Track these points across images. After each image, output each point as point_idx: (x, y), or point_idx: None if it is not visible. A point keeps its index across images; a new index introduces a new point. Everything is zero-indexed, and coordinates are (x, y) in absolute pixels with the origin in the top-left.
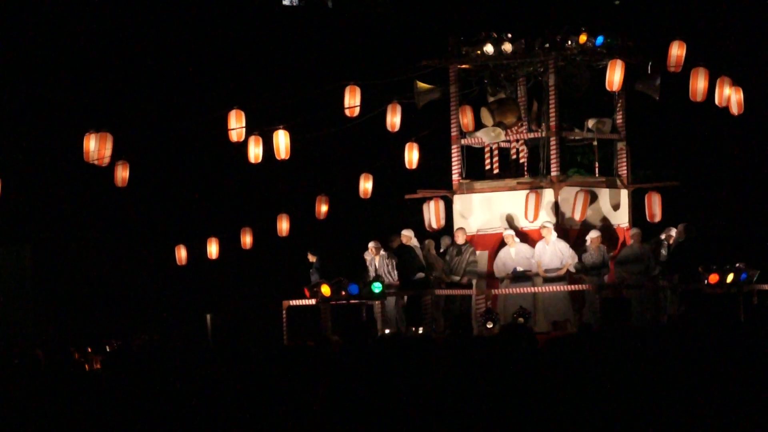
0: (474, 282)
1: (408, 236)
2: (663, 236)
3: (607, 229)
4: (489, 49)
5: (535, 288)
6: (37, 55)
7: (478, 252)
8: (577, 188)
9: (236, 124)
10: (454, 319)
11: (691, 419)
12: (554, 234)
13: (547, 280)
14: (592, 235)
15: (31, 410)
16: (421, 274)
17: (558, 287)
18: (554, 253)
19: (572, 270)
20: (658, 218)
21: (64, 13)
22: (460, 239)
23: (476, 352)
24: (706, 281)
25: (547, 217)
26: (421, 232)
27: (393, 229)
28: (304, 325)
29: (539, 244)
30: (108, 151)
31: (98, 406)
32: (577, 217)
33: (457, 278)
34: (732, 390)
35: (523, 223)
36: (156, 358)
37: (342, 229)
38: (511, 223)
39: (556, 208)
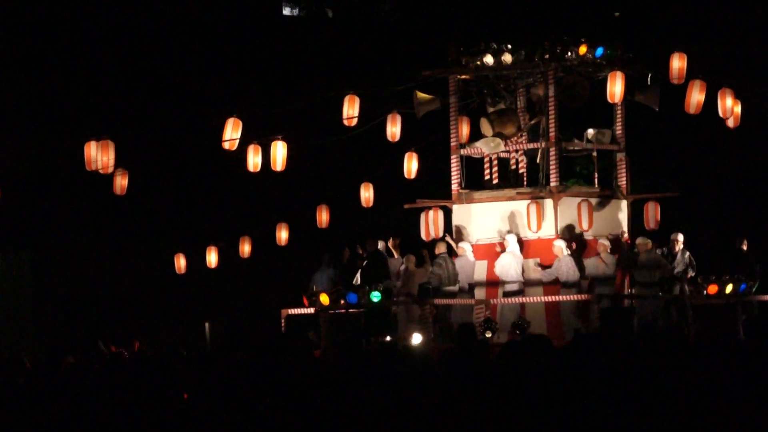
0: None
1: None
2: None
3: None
4: (489, 60)
5: (529, 298)
6: (38, 61)
7: (478, 262)
8: (579, 199)
9: (233, 132)
10: (459, 329)
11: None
12: (512, 246)
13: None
14: (557, 244)
15: (27, 416)
16: (388, 282)
17: (557, 297)
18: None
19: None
20: (656, 227)
21: (65, 20)
22: (437, 250)
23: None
24: (705, 292)
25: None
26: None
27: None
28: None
29: (503, 256)
30: (111, 159)
31: (95, 412)
32: (585, 227)
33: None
34: (732, 402)
35: (525, 233)
36: (151, 365)
37: (342, 238)
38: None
39: (555, 218)
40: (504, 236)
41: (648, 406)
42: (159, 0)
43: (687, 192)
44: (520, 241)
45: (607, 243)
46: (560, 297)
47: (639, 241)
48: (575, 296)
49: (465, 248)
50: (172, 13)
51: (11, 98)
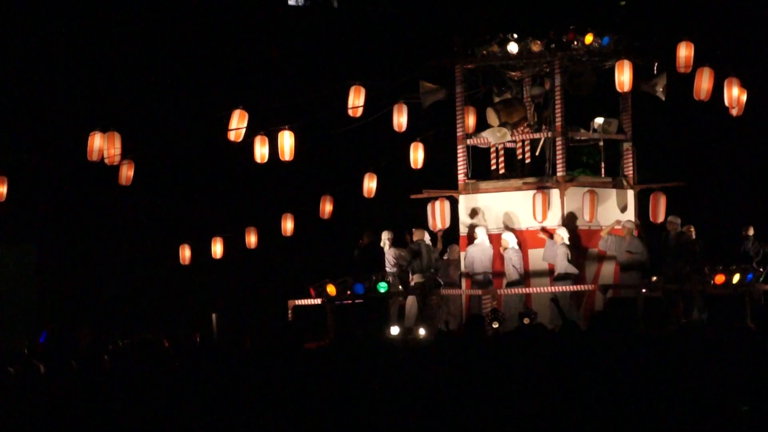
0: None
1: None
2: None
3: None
4: (495, 49)
5: (542, 288)
6: (43, 53)
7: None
8: (584, 189)
9: (239, 124)
10: (468, 320)
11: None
12: (481, 238)
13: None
14: (504, 236)
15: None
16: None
17: (564, 288)
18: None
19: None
20: (661, 218)
21: (70, 11)
22: (415, 236)
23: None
24: (712, 282)
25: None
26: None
27: (399, 228)
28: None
29: (470, 248)
30: (117, 150)
31: (102, 404)
32: (587, 217)
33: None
34: (738, 393)
35: (526, 224)
36: (159, 356)
37: (346, 229)
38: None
39: (562, 208)
40: (474, 229)
41: (650, 397)
42: None
43: (694, 182)
44: (491, 236)
45: (564, 234)
46: (552, 288)
47: (625, 224)
48: (575, 287)
49: (479, 234)
50: (178, 3)
51: (17, 89)
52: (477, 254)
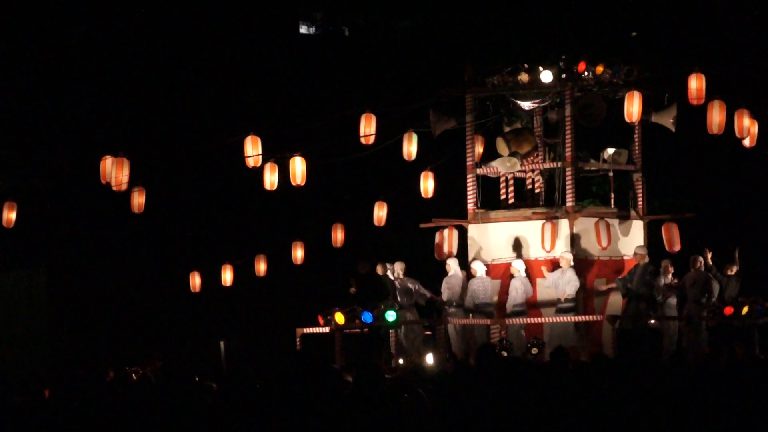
0: None
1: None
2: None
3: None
4: (505, 79)
5: (546, 318)
6: (54, 79)
7: (491, 281)
8: (594, 219)
9: (252, 150)
10: (480, 349)
11: None
12: (454, 269)
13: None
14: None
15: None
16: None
17: (567, 318)
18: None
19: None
20: (677, 248)
21: (83, 38)
22: (379, 271)
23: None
24: (721, 314)
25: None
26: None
27: (406, 258)
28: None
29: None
30: (125, 177)
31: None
32: (604, 245)
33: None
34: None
35: (535, 253)
36: (169, 384)
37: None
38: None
39: (572, 238)
40: (448, 261)
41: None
42: (177, 18)
43: (704, 212)
44: (494, 266)
45: (520, 267)
46: (542, 319)
47: (563, 255)
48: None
49: (451, 264)
50: (190, 29)
51: (27, 114)
52: (455, 286)
